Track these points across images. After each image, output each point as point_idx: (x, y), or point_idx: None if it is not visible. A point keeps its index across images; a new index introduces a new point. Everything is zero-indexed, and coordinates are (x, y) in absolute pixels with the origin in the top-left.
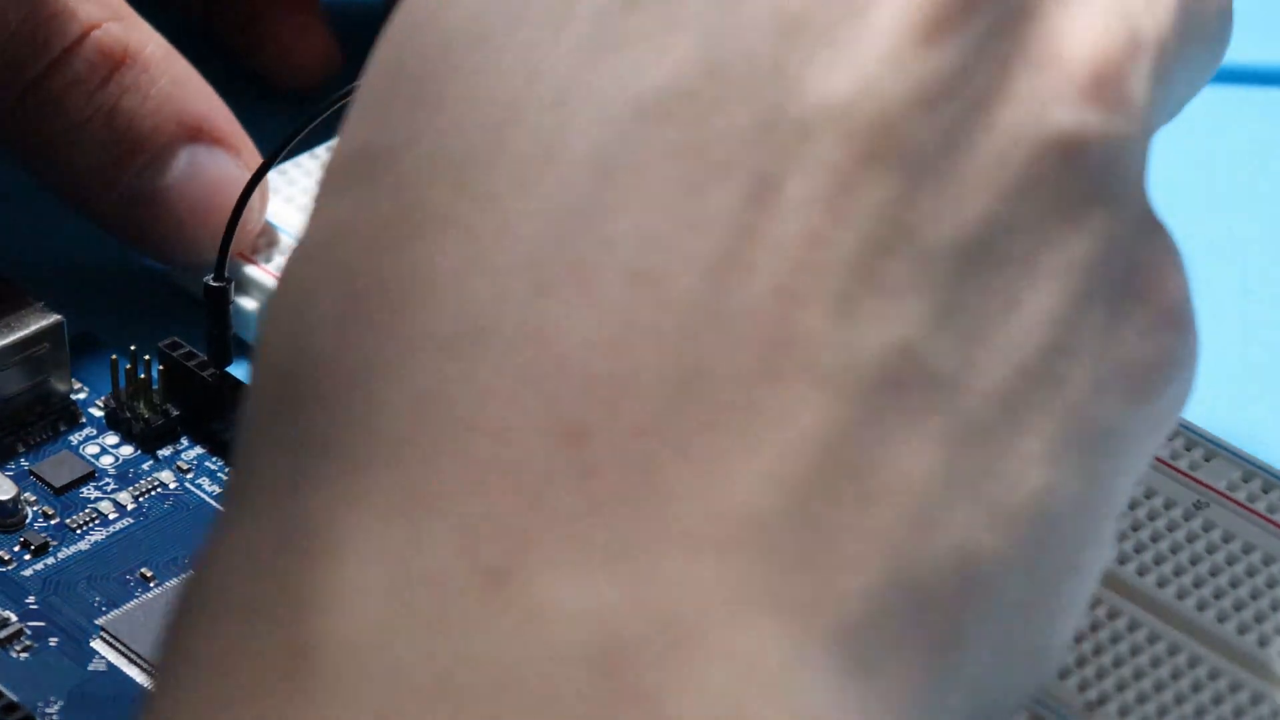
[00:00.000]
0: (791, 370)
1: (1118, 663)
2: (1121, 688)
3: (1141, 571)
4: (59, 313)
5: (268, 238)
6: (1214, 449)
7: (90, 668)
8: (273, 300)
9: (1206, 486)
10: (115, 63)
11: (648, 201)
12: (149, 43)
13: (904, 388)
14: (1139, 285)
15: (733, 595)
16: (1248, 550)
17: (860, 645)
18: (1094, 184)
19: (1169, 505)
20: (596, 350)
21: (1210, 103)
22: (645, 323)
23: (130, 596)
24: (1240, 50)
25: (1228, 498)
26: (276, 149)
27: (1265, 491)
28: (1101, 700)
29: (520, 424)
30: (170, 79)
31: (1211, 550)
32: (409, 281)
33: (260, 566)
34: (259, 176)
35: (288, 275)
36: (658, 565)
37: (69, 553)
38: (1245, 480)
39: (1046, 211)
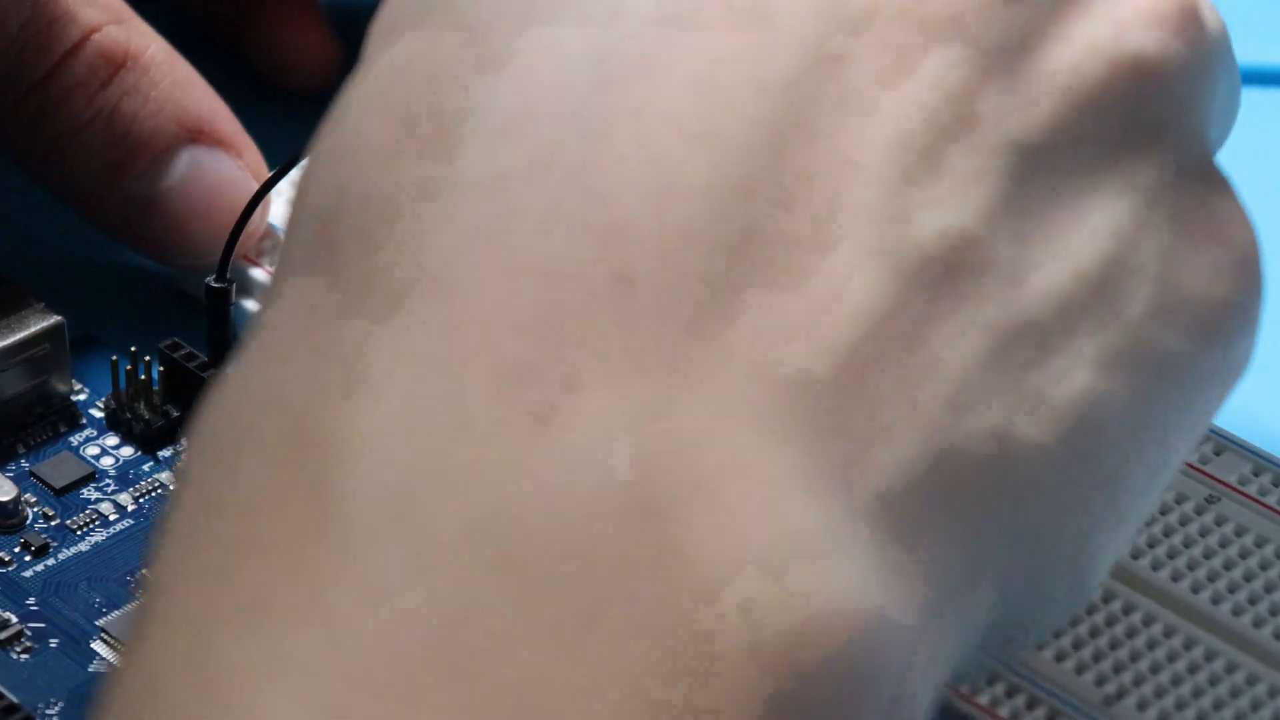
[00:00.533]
0: (846, 239)
1: (1135, 657)
2: (1139, 682)
3: (1156, 566)
4: (60, 313)
5: (271, 240)
6: (1224, 443)
7: (91, 669)
8: (317, 144)
9: (1218, 481)
10: (116, 65)
11: (711, 59)
12: (150, 45)
13: (958, 272)
14: (1208, 224)
15: (772, 457)
16: (1261, 544)
17: (893, 517)
18: (1168, 112)
19: (1180, 500)
20: (650, 199)
21: None
22: (700, 176)
23: (131, 598)
24: (1240, 51)
25: (1239, 492)
26: (290, 158)
27: (1276, 485)
28: (1120, 694)
29: (569, 267)
30: (171, 81)
31: (1225, 544)
32: (465, 116)
33: (287, 404)
34: (271, 184)
35: (336, 119)
36: (700, 422)
37: (69, 554)
38: (1256, 474)
39: (1116, 129)
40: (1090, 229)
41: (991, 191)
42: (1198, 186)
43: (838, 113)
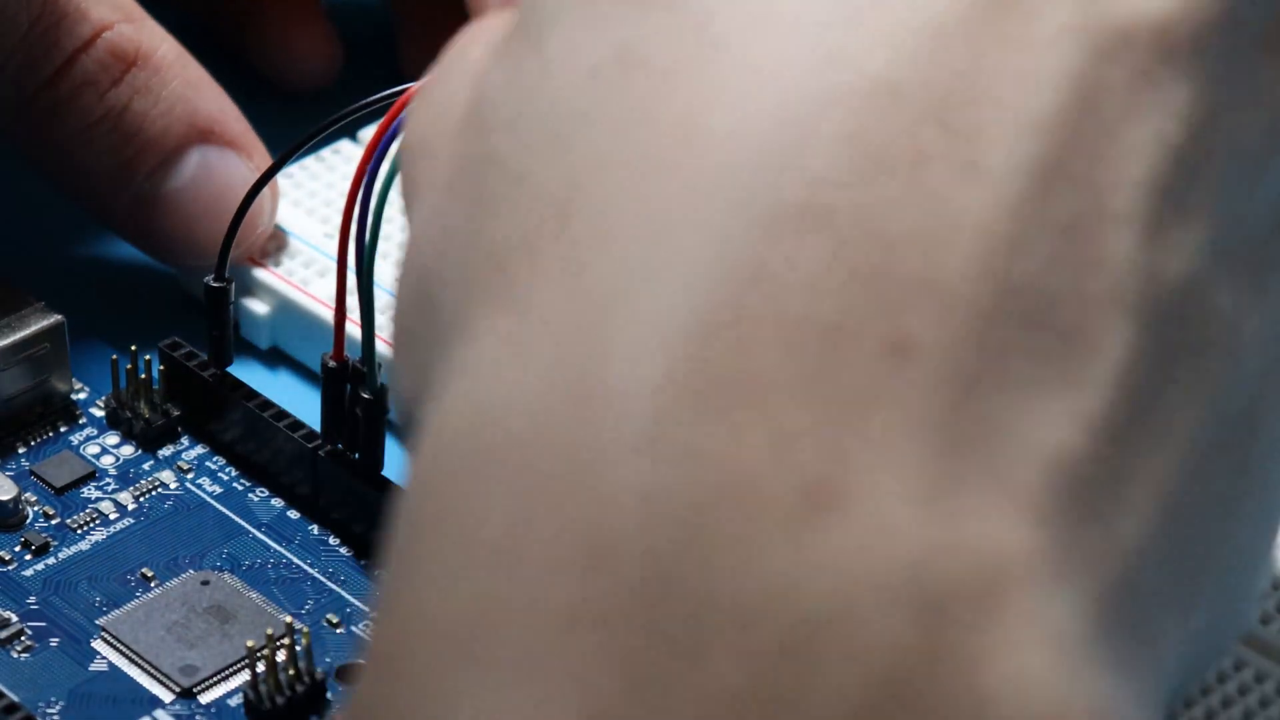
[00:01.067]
0: (1101, 295)
1: None
2: None
3: None
4: (59, 313)
5: (277, 241)
6: None
7: (91, 668)
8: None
9: None
10: (127, 64)
11: (975, 89)
12: (161, 44)
13: (1189, 324)
14: None
15: (1043, 550)
16: None
17: (1138, 602)
18: None
19: None
20: (924, 247)
21: None
22: (972, 219)
23: (131, 596)
24: None
25: None
26: (284, 153)
27: None
28: None
29: (849, 325)
30: (182, 81)
31: None
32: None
33: (545, 426)
34: (264, 180)
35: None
36: (979, 506)
37: (70, 553)
38: None
39: None
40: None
41: (1214, 232)
42: None
43: (1096, 154)
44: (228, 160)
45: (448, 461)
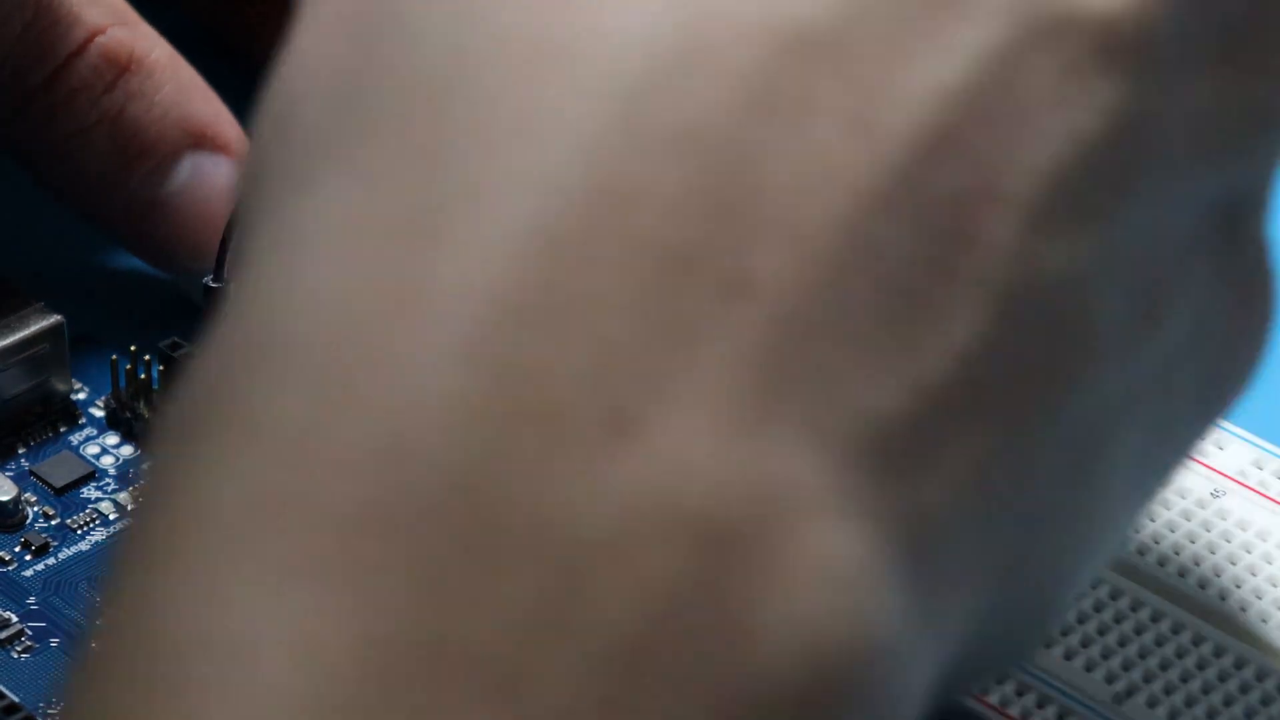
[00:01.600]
0: (964, 272)
1: (1144, 654)
2: (1149, 679)
3: (1162, 562)
4: (59, 313)
5: None
6: (1226, 435)
7: None
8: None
9: (1220, 473)
10: (120, 69)
11: (870, 44)
12: (154, 48)
13: (1057, 324)
14: (1249, 279)
15: (836, 488)
16: (1264, 537)
17: (934, 560)
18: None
19: (1183, 494)
20: (789, 194)
21: None
22: (848, 176)
23: None
24: None
25: (1241, 484)
26: None
27: (1279, 478)
28: (1130, 691)
29: (695, 256)
30: (175, 85)
31: (1229, 538)
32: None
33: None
34: None
35: None
36: (783, 447)
37: (70, 553)
38: (1259, 466)
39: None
40: (1156, 253)
41: (1108, 240)
42: (1246, 227)
43: (1001, 135)
44: (221, 165)
45: (247, 345)
